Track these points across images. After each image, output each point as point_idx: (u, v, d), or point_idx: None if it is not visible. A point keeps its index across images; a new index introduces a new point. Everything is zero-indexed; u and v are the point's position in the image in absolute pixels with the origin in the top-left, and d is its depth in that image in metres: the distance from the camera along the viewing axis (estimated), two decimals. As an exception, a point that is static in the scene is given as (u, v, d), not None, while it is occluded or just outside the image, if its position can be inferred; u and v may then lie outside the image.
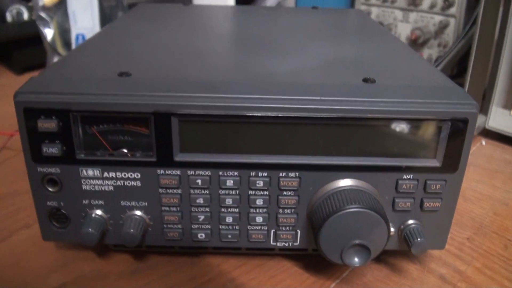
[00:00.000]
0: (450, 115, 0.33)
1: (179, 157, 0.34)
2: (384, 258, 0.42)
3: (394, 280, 0.40)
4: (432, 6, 0.79)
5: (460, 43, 0.75)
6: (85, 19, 0.83)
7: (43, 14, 0.78)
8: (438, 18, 0.79)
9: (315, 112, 0.33)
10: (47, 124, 0.33)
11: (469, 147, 0.34)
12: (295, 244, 0.38)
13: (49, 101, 0.33)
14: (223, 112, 0.33)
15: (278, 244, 0.38)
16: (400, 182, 0.35)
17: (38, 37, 0.81)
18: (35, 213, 0.45)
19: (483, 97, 0.67)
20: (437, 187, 0.35)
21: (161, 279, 0.39)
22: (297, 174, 0.35)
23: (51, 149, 0.34)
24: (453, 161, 0.35)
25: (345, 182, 0.35)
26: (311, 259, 0.41)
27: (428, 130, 0.34)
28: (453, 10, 0.77)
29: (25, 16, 0.82)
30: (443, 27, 0.78)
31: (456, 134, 0.34)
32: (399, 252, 0.42)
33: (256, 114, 0.33)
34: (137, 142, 0.35)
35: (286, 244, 0.38)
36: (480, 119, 0.65)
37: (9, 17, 0.81)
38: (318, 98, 0.33)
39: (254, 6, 0.99)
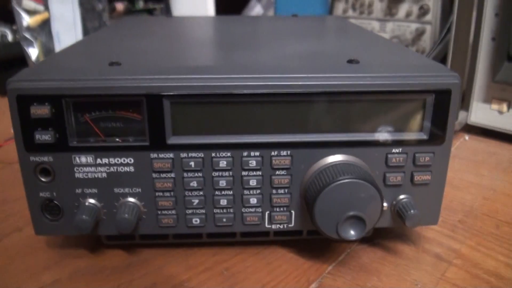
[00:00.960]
0: (433, 86, 0.34)
1: (171, 140, 0.35)
2: (379, 241, 0.42)
3: (390, 260, 0.40)
4: (408, 14, 0.81)
5: (438, 48, 0.78)
6: (68, 39, 0.84)
7: (27, 35, 0.79)
8: (414, 26, 0.81)
9: (303, 89, 0.34)
10: (40, 111, 0.33)
11: (454, 118, 0.35)
12: (290, 225, 0.38)
13: (41, 87, 0.33)
14: (214, 91, 0.33)
15: (273, 226, 0.38)
16: (389, 156, 0.36)
17: (23, 58, 0.82)
18: (25, 217, 0.46)
19: (462, 99, 0.69)
20: (426, 159, 0.36)
21: (156, 271, 0.38)
22: (288, 152, 0.35)
23: (44, 137, 0.34)
24: (439, 133, 0.36)
25: (336, 158, 0.36)
26: (307, 245, 0.41)
27: (414, 103, 0.35)
28: (428, 17, 0.79)
29: (10, 38, 0.83)
30: (419, 34, 0.81)
31: (441, 106, 0.35)
32: (393, 235, 0.43)
33: (246, 92, 0.34)
34: (129, 128, 0.35)
35: (281, 226, 0.38)
36: (462, 115, 0.67)
37: (-7, 40, 0.82)
38: (305, 75, 0.34)
39: (236, 15, 1.02)
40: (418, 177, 0.36)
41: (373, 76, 0.34)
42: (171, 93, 0.33)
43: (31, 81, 0.33)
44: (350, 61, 0.37)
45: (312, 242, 0.41)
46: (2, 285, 0.37)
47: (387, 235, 0.43)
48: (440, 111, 0.35)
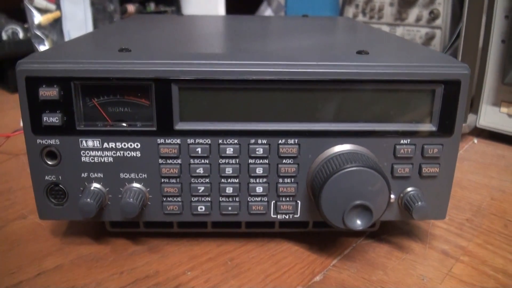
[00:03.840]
0: (443, 76, 0.34)
1: (179, 126, 0.35)
2: (385, 237, 0.41)
3: (397, 255, 0.39)
4: (418, 19, 0.81)
5: (448, 52, 0.77)
6: (79, 38, 0.84)
7: (38, 32, 0.80)
8: (424, 31, 0.81)
9: (311, 76, 0.34)
10: (49, 93, 0.33)
11: (463, 110, 0.35)
12: (295, 216, 0.37)
13: (50, 69, 0.33)
14: (222, 77, 0.33)
15: (278, 216, 0.37)
16: (397, 147, 0.36)
17: (33, 56, 0.82)
18: (30, 206, 0.46)
19: (471, 103, 0.69)
20: (435, 151, 0.36)
21: (160, 259, 0.38)
22: (296, 140, 0.35)
23: (51, 119, 0.34)
24: (448, 124, 0.35)
25: (344, 147, 0.35)
26: (312, 239, 0.41)
27: (422, 94, 0.35)
28: (438, 22, 0.79)
29: (21, 35, 0.83)
30: (429, 38, 0.80)
31: (450, 97, 0.35)
32: (400, 231, 0.42)
33: (254, 78, 0.33)
34: (137, 113, 0.35)
35: (287, 216, 0.37)
36: (471, 118, 0.66)
37: (4, 36, 0.82)
38: (314, 63, 0.34)
39: (247, 15, 1.02)
40: (426, 169, 0.36)
41: (382, 65, 0.34)
42: (180, 78, 0.33)
43: (40, 63, 0.34)
44: (359, 52, 0.37)
45: (317, 236, 0.41)
46: (3, 269, 0.37)
47: (394, 231, 0.42)
48: (449, 103, 0.35)
